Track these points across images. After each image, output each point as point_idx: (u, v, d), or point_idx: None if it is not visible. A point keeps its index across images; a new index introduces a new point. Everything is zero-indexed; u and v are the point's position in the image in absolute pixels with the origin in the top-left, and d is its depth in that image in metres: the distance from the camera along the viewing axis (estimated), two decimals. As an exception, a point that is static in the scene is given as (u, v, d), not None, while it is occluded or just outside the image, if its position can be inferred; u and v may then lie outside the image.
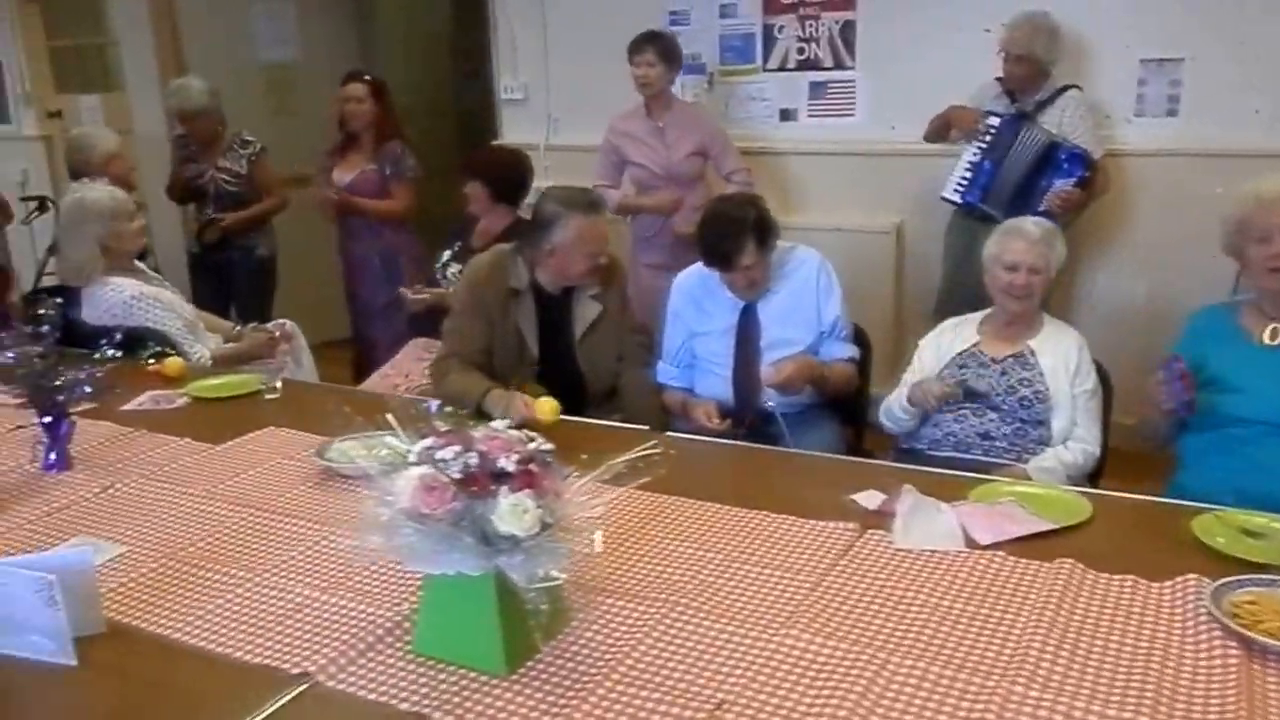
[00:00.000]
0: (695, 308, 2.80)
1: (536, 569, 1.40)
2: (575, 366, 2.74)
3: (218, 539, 1.90)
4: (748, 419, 2.60)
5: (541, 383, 2.65)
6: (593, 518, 1.48)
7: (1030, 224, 2.55)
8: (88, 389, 2.17)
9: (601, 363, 2.76)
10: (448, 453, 1.42)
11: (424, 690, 1.42)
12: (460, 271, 3.53)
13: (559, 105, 4.84)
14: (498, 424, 1.53)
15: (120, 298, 3.01)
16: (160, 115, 5.50)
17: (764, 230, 2.60)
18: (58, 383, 2.18)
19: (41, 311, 2.20)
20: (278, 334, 3.39)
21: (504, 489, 1.39)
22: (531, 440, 1.47)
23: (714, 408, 2.62)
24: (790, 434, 2.53)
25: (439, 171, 4.66)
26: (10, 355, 2.13)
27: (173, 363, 2.83)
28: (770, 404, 2.55)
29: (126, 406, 2.61)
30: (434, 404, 2.37)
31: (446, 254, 3.63)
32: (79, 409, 2.26)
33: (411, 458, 1.46)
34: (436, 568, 1.41)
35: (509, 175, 3.56)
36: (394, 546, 1.43)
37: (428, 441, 1.47)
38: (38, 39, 6.17)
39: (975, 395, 2.47)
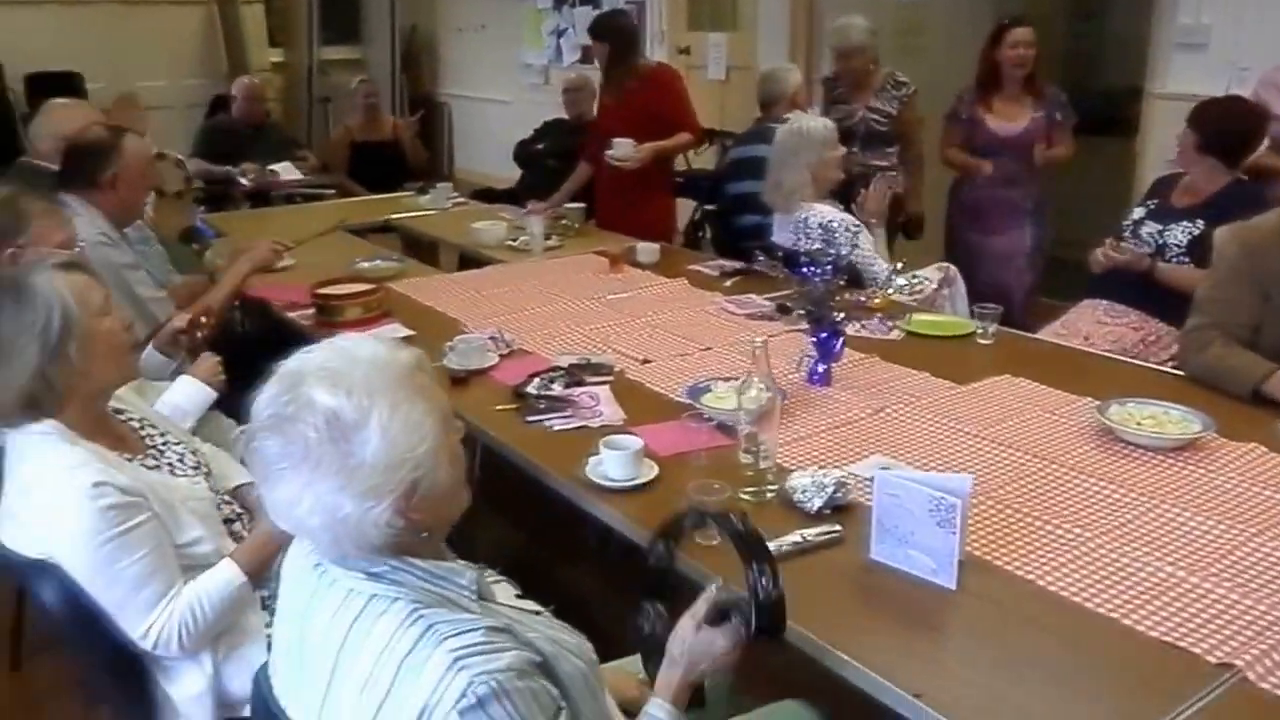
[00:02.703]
0: None
1: None
2: None
3: (1027, 486, 1.82)
4: None
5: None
6: None
7: None
8: (875, 319, 2.21)
9: None
10: None
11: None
12: (1160, 232, 3.21)
13: (1247, 53, 4.20)
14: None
15: (821, 221, 3.10)
16: (783, 54, 5.75)
17: None
18: (834, 302, 2.26)
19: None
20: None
21: None
22: None
23: None
24: None
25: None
26: (809, 272, 2.23)
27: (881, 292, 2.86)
28: None
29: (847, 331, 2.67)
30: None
31: (1139, 211, 3.29)
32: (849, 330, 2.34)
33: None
34: None
35: (1227, 127, 3.11)
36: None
37: None
38: (678, -19, 6.73)
39: None
